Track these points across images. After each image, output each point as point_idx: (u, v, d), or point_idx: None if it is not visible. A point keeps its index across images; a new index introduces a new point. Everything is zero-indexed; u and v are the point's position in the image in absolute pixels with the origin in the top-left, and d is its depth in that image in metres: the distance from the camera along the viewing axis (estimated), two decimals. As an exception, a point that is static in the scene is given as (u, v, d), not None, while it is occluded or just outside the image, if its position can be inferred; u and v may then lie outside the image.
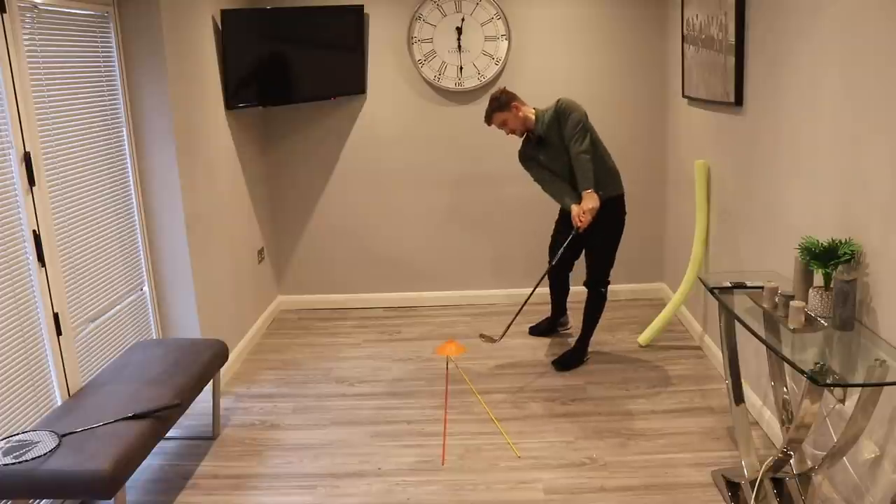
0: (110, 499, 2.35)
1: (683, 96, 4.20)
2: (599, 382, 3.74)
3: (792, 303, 2.34)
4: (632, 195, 4.75)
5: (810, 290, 2.39)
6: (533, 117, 3.73)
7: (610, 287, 4.56)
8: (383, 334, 4.54)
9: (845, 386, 2.23)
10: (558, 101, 3.68)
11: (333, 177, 4.84)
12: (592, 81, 4.63)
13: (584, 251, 3.94)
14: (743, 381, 3.33)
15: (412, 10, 4.53)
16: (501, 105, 3.71)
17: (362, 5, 4.49)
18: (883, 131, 2.21)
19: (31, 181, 2.66)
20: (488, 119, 3.78)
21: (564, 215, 4.02)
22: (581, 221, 3.61)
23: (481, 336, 4.08)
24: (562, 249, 3.92)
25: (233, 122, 4.20)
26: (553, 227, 4.11)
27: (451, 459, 3.09)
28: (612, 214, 3.77)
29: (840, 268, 2.33)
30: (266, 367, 4.12)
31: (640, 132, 4.70)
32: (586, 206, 3.58)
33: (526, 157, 3.91)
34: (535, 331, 4.41)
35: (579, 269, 4.02)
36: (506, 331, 4.08)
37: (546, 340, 4.31)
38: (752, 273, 2.99)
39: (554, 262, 3.99)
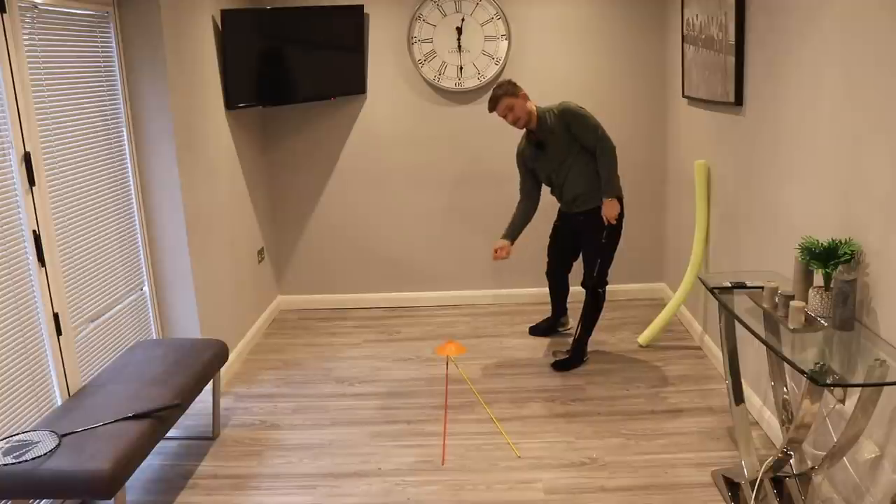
0: (110, 499, 2.35)
1: (683, 96, 4.20)
2: (599, 382, 3.74)
3: (792, 303, 2.34)
4: (632, 195, 4.75)
5: (810, 290, 2.39)
6: (535, 115, 3.72)
7: (610, 287, 4.57)
8: (383, 334, 4.54)
9: (845, 386, 2.23)
10: (562, 103, 3.67)
11: (333, 177, 4.84)
12: (592, 81, 4.63)
13: (581, 253, 3.94)
14: (743, 381, 3.33)
15: (412, 10, 4.53)
16: (511, 91, 3.65)
17: (362, 5, 4.49)
18: (883, 131, 2.21)
19: (31, 181, 2.66)
20: (494, 103, 3.67)
21: (562, 216, 4.02)
22: (499, 253, 3.87)
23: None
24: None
25: (233, 122, 4.20)
26: (551, 227, 4.12)
27: (451, 459, 3.09)
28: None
29: (840, 268, 2.33)
30: (266, 367, 4.12)
31: (640, 132, 4.70)
32: (610, 216, 3.69)
33: (522, 161, 3.91)
34: (536, 331, 4.41)
35: (579, 269, 4.02)
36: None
37: (546, 340, 4.31)
38: (752, 273, 2.99)
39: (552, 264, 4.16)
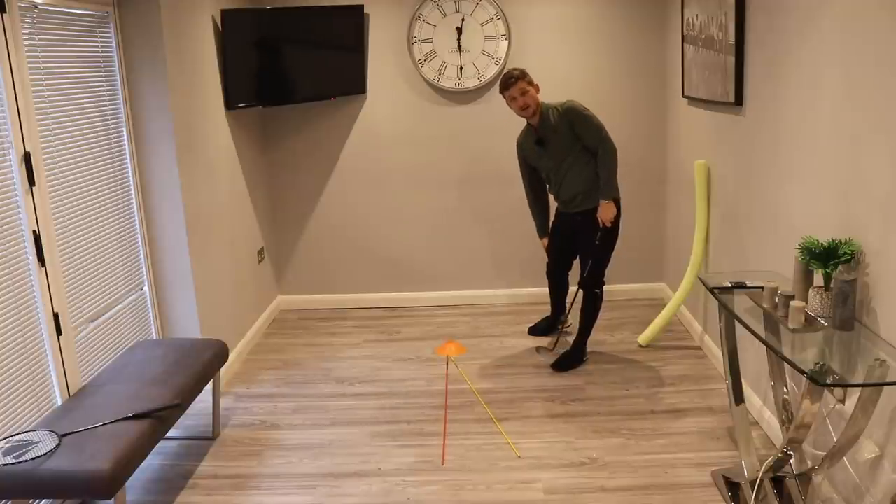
0: (110, 499, 2.35)
1: (683, 96, 4.20)
2: (599, 382, 3.74)
3: (792, 303, 2.34)
4: (632, 195, 4.76)
5: (810, 290, 2.39)
6: (540, 110, 3.71)
7: (610, 287, 4.57)
8: (383, 334, 4.54)
9: (845, 386, 2.23)
10: (567, 102, 3.65)
11: (333, 177, 4.84)
12: (592, 81, 4.63)
13: (578, 253, 3.94)
14: (743, 381, 3.33)
15: (412, 10, 4.53)
16: (527, 76, 3.63)
17: (362, 5, 4.49)
18: (883, 131, 2.21)
19: (31, 181, 2.66)
20: (509, 84, 3.60)
21: (560, 215, 4.02)
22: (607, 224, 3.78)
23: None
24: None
25: (233, 122, 4.20)
26: (550, 227, 4.12)
27: (451, 459, 3.09)
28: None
29: (840, 268, 2.33)
30: (266, 367, 4.12)
31: (640, 132, 4.70)
32: (605, 218, 3.70)
33: (522, 155, 3.91)
34: (535, 331, 4.40)
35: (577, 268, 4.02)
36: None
37: (546, 340, 4.31)
38: (752, 273, 2.99)
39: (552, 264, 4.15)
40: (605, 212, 3.69)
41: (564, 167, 3.74)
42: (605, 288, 3.92)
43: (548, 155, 3.76)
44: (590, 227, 3.78)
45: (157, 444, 3.02)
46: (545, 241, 4.10)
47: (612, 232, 3.78)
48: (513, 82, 3.61)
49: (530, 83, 3.64)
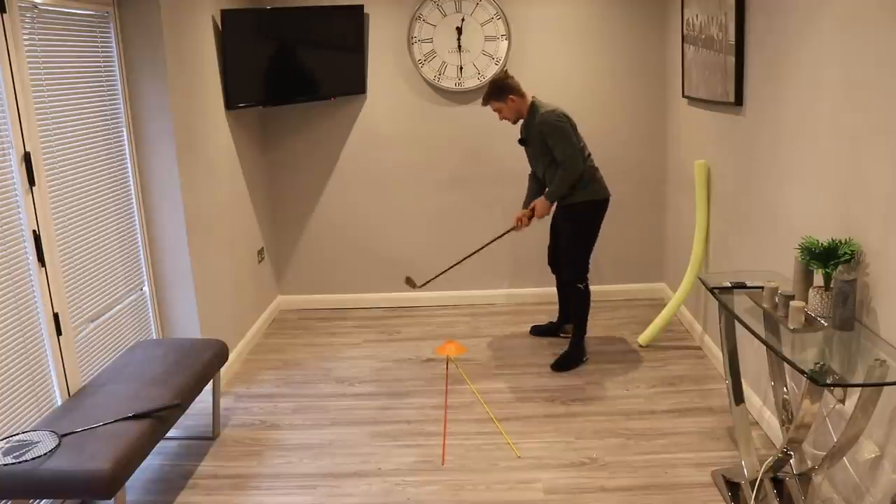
0: (110, 499, 2.35)
1: (683, 96, 4.20)
2: (599, 382, 3.74)
3: (792, 303, 2.34)
4: (632, 195, 4.76)
5: (810, 290, 2.39)
6: (526, 110, 3.78)
7: (609, 287, 4.57)
8: (383, 334, 4.54)
9: (845, 386, 2.23)
10: (547, 113, 3.69)
11: (333, 177, 4.84)
12: (592, 81, 4.63)
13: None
14: (743, 381, 3.33)
15: (412, 10, 4.53)
16: (499, 95, 3.75)
17: (362, 5, 4.49)
18: (883, 131, 2.21)
19: (31, 181, 2.66)
20: (485, 102, 3.82)
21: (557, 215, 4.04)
22: (521, 222, 3.93)
23: (407, 280, 4.26)
24: (490, 242, 4.21)
25: (233, 122, 4.20)
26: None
27: (451, 459, 3.09)
28: (581, 217, 3.79)
29: (840, 268, 2.33)
30: (266, 367, 4.12)
31: (640, 132, 4.70)
32: (537, 211, 3.81)
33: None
34: (537, 331, 4.41)
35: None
36: (431, 280, 4.35)
37: (546, 341, 4.31)
38: (752, 273, 2.99)
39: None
40: (539, 207, 3.82)
41: (541, 166, 3.84)
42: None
43: (529, 150, 3.89)
44: (565, 222, 3.84)
45: (157, 444, 3.02)
46: (520, 213, 4.06)
47: (582, 233, 3.81)
48: (483, 105, 3.84)
49: (501, 100, 3.75)
